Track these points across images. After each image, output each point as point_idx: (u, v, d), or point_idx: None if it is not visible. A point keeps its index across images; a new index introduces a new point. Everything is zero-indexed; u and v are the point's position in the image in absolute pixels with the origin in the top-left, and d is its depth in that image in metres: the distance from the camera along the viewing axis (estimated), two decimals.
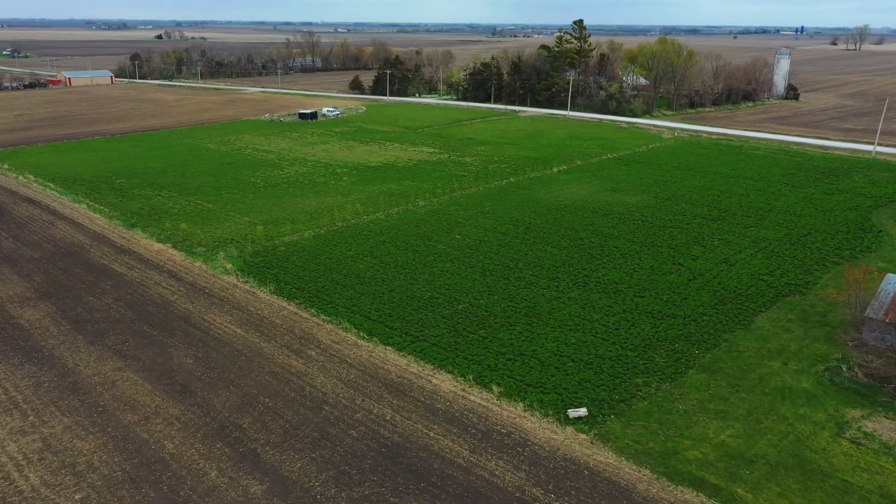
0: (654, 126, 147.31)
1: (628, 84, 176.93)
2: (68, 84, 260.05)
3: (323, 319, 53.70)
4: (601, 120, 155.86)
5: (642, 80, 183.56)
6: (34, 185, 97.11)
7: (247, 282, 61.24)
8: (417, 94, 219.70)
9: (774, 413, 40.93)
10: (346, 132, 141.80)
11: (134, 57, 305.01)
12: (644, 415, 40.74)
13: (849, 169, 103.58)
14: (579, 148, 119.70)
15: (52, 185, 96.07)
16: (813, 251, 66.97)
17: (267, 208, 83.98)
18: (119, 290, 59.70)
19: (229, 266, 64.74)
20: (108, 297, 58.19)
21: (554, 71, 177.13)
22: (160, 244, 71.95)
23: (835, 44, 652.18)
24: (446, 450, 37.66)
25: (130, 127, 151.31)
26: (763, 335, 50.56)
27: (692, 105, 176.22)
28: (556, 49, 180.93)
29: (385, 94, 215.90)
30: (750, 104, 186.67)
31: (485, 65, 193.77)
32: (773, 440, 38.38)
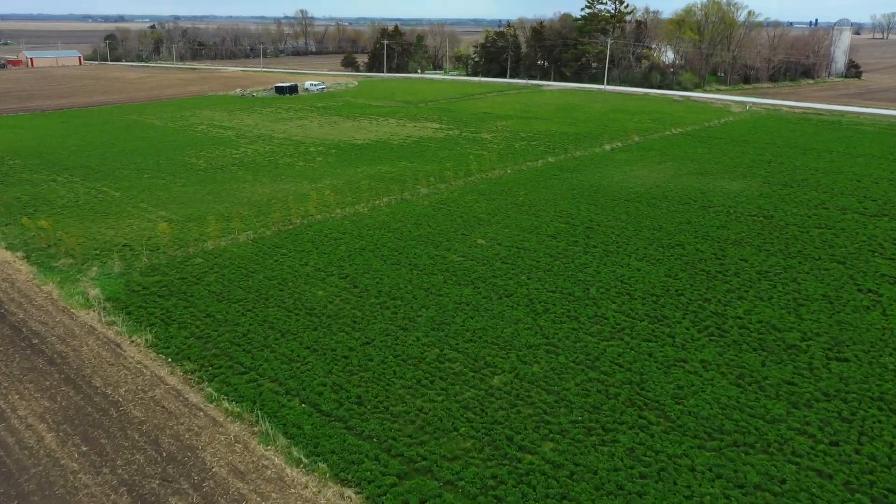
0: (717, 99, 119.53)
1: (677, 54, 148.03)
2: (30, 65, 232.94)
3: (226, 410, 26.91)
4: (647, 93, 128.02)
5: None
6: None
7: (113, 323, 34.45)
8: (420, 70, 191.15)
9: None
10: (331, 107, 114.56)
11: (108, 37, 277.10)
12: None
13: None
14: (629, 123, 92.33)
15: None
16: None
17: (197, 198, 57.19)
18: None
19: (95, 292, 37.89)
20: None
21: (583, 38, 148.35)
22: (8, 252, 45.41)
23: (858, 33, 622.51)
24: None
25: (71, 103, 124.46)
26: None
27: (746, 80, 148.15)
28: (588, 10, 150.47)
29: (382, 71, 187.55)
30: (810, 81, 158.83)
31: (499, 34, 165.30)
32: None
